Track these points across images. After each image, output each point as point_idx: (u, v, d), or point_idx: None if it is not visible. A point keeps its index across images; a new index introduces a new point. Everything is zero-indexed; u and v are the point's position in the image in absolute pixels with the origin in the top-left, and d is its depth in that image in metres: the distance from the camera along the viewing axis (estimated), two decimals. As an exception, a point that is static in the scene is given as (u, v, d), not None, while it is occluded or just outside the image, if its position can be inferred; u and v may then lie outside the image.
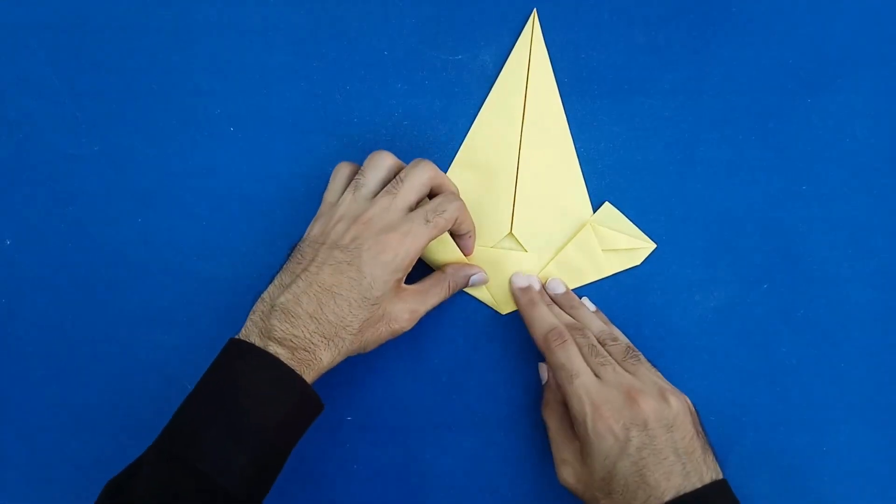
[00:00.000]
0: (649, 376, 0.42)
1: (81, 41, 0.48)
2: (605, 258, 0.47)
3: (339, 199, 0.43)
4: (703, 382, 0.48)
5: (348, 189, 0.43)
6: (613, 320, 0.47)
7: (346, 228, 0.41)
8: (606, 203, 0.48)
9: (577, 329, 0.44)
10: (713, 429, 0.48)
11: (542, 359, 0.48)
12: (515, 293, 0.47)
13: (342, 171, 0.44)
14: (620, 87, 0.48)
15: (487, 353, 0.48)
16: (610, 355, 0.43)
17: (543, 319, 0.44)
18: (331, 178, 0.44)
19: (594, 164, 0.48)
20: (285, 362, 0.39)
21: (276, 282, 0.41)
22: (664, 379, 0.43)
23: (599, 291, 0.48)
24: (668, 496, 0.38)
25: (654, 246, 0.48)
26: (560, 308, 0.46)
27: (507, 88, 0.48)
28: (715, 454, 0.41)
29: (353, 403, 0.48)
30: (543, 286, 0.47)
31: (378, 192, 0.42)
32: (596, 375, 0.41)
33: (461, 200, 0.43)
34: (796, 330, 0.48)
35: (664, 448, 0.39)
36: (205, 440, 0.37)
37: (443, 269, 0.46)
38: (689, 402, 0.42)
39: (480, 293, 0.48)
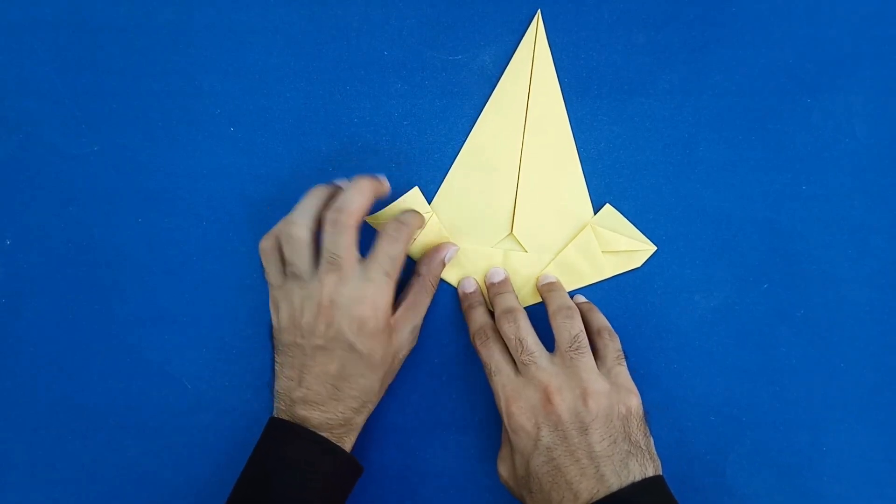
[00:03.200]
0: (581, 373, 0.40)
1: (81, 41, 0.48)
2: (606, 260, 0.47)
3: (283, 282, 0.43)
4: (702, 382, 0.48)
5: (288, 277, 0.42)
6: (613, 321, 0.47)
7: (315, 318, 0.41)
8: (607, 205, 0.48)
9: (508, 314, 0.43)
10: (713, 429, 0.48)
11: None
12: (460, 297, 0.48)
13: (268, 251, 0.43)
14: (620, 88, 0.48)
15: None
16: (558, 338, 0.42)
17: (475, 320, 0.45)
18: (262, 260, 0.44)
19: (594, 164, 0.48)
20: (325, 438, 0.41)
21: (281, 376, 0.43)
22: (614, 377, 0.41)
23: (599, 292, 0.48)
24: (582, 499, 0.37)
25: (655, 248, 0.48)
26: (543, 298, 0.46)
27: (509, 89, 0.48)
28: (650, 458, 0.39)
29: (353, 403, 0.48)
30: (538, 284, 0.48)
31: (315, 259, 0.42)
32: (518, 371, 0.42)
33: (404, 227, 0.43)
34: (796, 330, 0.48)
35: (577, 450, 0.39)
36: None
37: (417, 272, 0.46)
38: (631, 403, 0.40)
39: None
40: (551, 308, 0.44)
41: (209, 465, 0.48)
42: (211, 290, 0.48)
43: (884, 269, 0.48)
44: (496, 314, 0.44)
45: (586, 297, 0.48)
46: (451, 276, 0.48)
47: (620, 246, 0.47)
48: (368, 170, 0.48)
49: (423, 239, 0.47)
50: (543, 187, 0.48)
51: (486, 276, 0.48)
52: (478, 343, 0.44)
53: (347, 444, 0.43)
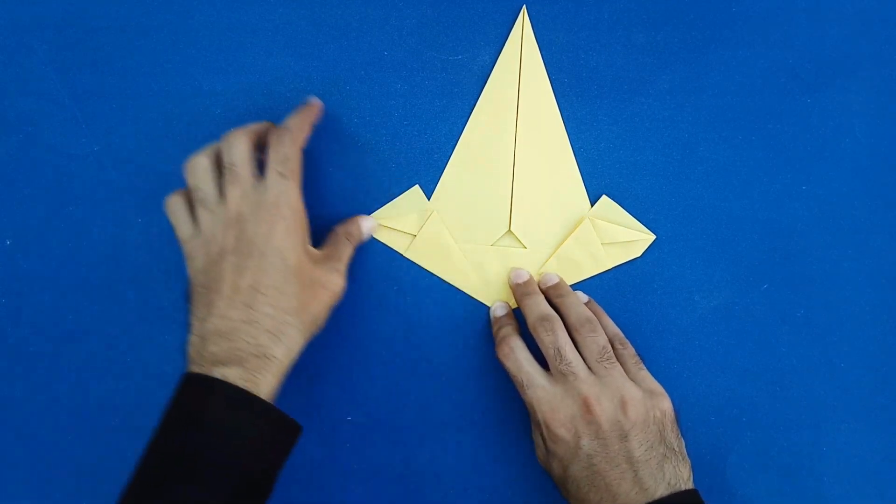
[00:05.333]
0: (616, 382, 0.41)
1: (81, 41, 0.48)
2: (605, 251, 0.47)
3: (193, 228, 0.42)
4: (702, 382, 0.48)
5: (197, 209, 0.42)
6: (614, 321, 0.47)
7: (224, 234, 0.40)
8: (604, 196, 0.48)
9: (545, 322, 0.43)
10: (713, 429, 0.48)
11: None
12: (492, 319, 0.47)
13: (174, 204, 0.43)
14: (619, 88, 0.48)
15: (486, 353, 0.48)
16: (585, 351, 0.43)
17: (503, 331, 0.45)
18: (170, 218, 0.43)
19: (594, 164, 0.48)
20: (236, 382, 0.37)
21: (193, 321, 0.40)
22: (642, 382, 0.42)
23: (600, 291, 0.48)
24: (619, 501, 0.38)
25: (654, 237, 0.48)
26: (549, 301, 0.46)
27: (499, 86, 0.47)
28: (683, 462, 0.40)
29: (353, 403, 0.48)
30: (539, 280, 0.48)
31: (218, 182, 0.42)
32: (555, 380, 0.42)
33: (287, 130, 0.42)
34: (796, 330, 0.48)
35: (617, 456, 0.39)
36: (172, 493, 0.36)
37: (333, 230, 0.46)
38: (664, 407, 0.41)
39: (478, 292, 0.48)
40: (571, 320, 0.44)
41: (209, 465, 0.48)
42: (211, 290, 0.48)
43: (884, 268, 0.48)
44: (530, 319, 0.44)
45: (586, 293, 0.48)
46: (454, 278, 0.48)
47: (619, 237, 0.47)
48: (368, 169, 0.48)
49: (425, 237, 0.47)
50: (539, 182, 0.48)
51: (509, 278, 0.48)
52: (504, 353, 0.44)
53: (264, 386, 0.38)
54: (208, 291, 0.40)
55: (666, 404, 0.42)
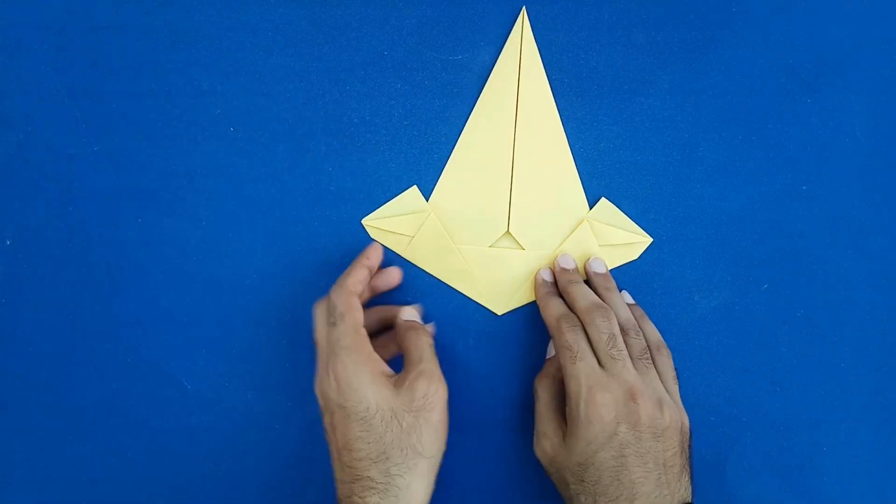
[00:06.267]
0: (654, 382, 0.42)
1: (81, 41, 0.48)
2: (603, 254, 0.47)
3: None
4: (703, 382, 0.48)
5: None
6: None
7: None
8: (603, 199, 0.48)
9: (602, 309, 0.43)
10: (713, 429, 0.48)
11: (539, 369, 0.48)
12: (538, 282, 0.47)
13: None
14: (620, 88, 0.48)
15: (485, 354, 0.48)
16: (626, 348, 0.42)
17: (557, 306, 0.44)
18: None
19: (593, 164, 0.48)
20: None
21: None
22: (671, 392, 0.42)
23: (599, 291, 0.48)
24: (639, 500, 0.38)
25: (651, 240, 0.48)
26: (594, 288, 0.46)
27: (498, 88, 0.47)
28: (692, 480, 0.41)
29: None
30: (587, 262, 0.47)
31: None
32: (601, 364, 0.41)
33: (337, 283, 0.43)
34: (796, 330, 0.48)
35: (647, 453, 0.39)
36: None
37: (397, 327, 0.45)
38: (685, 422, 0.42)
39: (476, 294, 0.48)
40: (621, 319, 0.44)
41: (208, 466, 0.48)
42: (210, 290, 0.48)
43: (884, 268, 0.48)
44: (582, 304, 0.43)
45: (625, 291, 0.48)
46: (451, 280, 0.48)
47: (617, 239, 0.47)
48: (368, 169, 0.48)
49: (423, 238, 0.47)
50: (537, 184, 0.48)
51: (555, 262, 0.47)
52: (565, 327, 0.42)
53: None
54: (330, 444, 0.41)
55: (687, 422, 0.42)
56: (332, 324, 0.41)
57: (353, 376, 0.39)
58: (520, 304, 0.48)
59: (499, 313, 0.48)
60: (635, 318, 0.45)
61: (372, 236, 0.48)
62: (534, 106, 0.47)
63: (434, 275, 0.48)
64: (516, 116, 0.47)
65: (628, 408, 0.40)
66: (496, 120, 0.47)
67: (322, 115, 0.48)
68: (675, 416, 0.41)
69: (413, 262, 0.48)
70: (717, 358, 0.48)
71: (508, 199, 0.48)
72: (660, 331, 0.47)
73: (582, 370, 0.41)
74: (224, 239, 0.48)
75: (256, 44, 0.48)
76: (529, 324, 0.48)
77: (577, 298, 0.44)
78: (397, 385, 0.40)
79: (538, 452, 0.43)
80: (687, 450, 0.41)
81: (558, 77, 0.47)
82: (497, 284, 0.48)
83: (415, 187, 0.47)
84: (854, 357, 0.48)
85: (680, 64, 0.48)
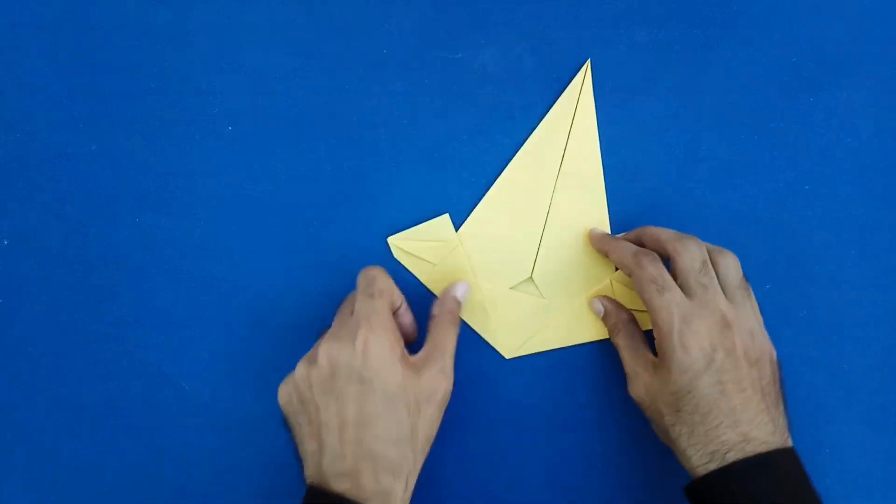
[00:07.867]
0: (748, 313, 0.41)
1: (81, 41, 0.48)
2: None
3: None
4: (704, 383, 0.48)
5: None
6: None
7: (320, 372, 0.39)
8: None
9: (692, 237, 0.42)
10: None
11: (549, 367, 0.48)
12: (594, 237, 0.47)
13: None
14: (622, 87, 0.48)
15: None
16: (722, 277, 0.42)
17: (632, 245, 0.44)
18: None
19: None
20: None
21: (304, 452, 0.40)
22: (762, 326, 0.42)
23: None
24: (742, 427, 0.38)
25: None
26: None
27: (549, 133, 0.47)
28: (788, 416, 0.40)
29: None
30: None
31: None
32: (687, 294, 0.41)
33: (377, 269, 0.42)
34: (798, 330, 0.48)
35: (744, 379, 0.39)
36: None
37: (431, 314, 0.44)
38: (774, 354, 0.41)
39: (488, 334, 0.48)
40: (710, 252, 0.42)
41: (207, 466, 0.48)
42: (208, 290, 0.48)
43: (887, 268, 0.48)
44: (668, 235, 0.43)
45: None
46: (468, 316, 0.47)
47: (640, 304, 0.46)
48: (368, 169, 0.48)
49: (445, 267, 0.47)
50: (569, 237, 0.47)
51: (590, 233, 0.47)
52: (646, 261, 0.42)
53: None
54: (310, 424, 0.39)
55: (776, 355, 0.41)
56: (370, 295, 0.41)
57: (385, 353, 0.39)
58: (529, 352, 0.48)
59: (507, 357, 0.48)
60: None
61: (395, 256, 0.47)
62: (580, 160, 0.47)
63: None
64: (561, 165, 0.47)
65: (723, 335, 0.39)
66: (541, 164, 0.47)
67: (322, 115, 0.48)
68: (766, 347, 0.41)
69: (431, 289, 0.48)
70: (719, 359, 0.48)
71: (538, 246, 0.47)
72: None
73: (672, 300, 0.40)
74: (222, 239, 0.48)
75: (256, 44, 0.48)
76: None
77: (659, 233, 0.43)
78: (416, 370, 0.40)
79: (632, 391, 0.43)
80: (779, 381, 0.41)
81: (558, 76, 0.47)
82: (510, 327, 0.47)
83: (446, 215, 0.47)
84: (856, 358, 0.48)
85: (682, 63, 0.48)
